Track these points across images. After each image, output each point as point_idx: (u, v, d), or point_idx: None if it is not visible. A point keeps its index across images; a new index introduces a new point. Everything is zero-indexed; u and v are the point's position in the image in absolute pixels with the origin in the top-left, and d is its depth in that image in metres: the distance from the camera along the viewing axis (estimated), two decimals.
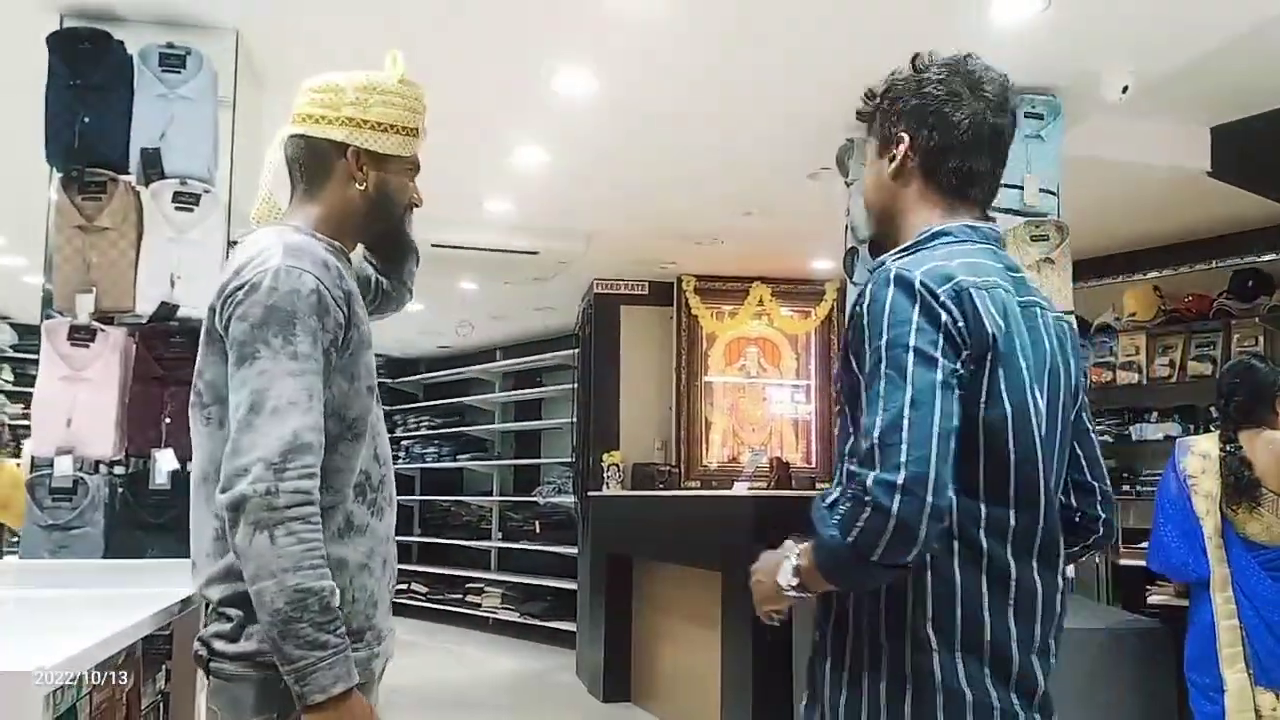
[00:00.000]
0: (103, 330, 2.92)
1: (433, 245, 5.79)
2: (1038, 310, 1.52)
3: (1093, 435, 1.62)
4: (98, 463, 2.95)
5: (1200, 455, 3.45)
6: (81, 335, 2.91)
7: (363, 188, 1.69)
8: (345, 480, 1.60)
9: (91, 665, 1.40)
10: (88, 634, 1.37)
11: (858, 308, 1.41)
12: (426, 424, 10.64)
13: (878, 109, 1.57)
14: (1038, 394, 1.43)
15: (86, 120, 3.03)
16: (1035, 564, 1.44)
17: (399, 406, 11.03)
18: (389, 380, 11.04)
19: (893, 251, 1.51)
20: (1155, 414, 5.79)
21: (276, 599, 1.41)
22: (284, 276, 1.53)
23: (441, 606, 9.69)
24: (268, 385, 1.49)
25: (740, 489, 5.72)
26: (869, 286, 1.40)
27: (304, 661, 1.41)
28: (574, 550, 7.92)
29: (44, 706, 1.33)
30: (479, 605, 9.23)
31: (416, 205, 1.78)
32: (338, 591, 1.47)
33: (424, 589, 10.04)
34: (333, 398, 1.58)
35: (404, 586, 10.40)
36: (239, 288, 1.54)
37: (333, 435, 1.56)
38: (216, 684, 1.51)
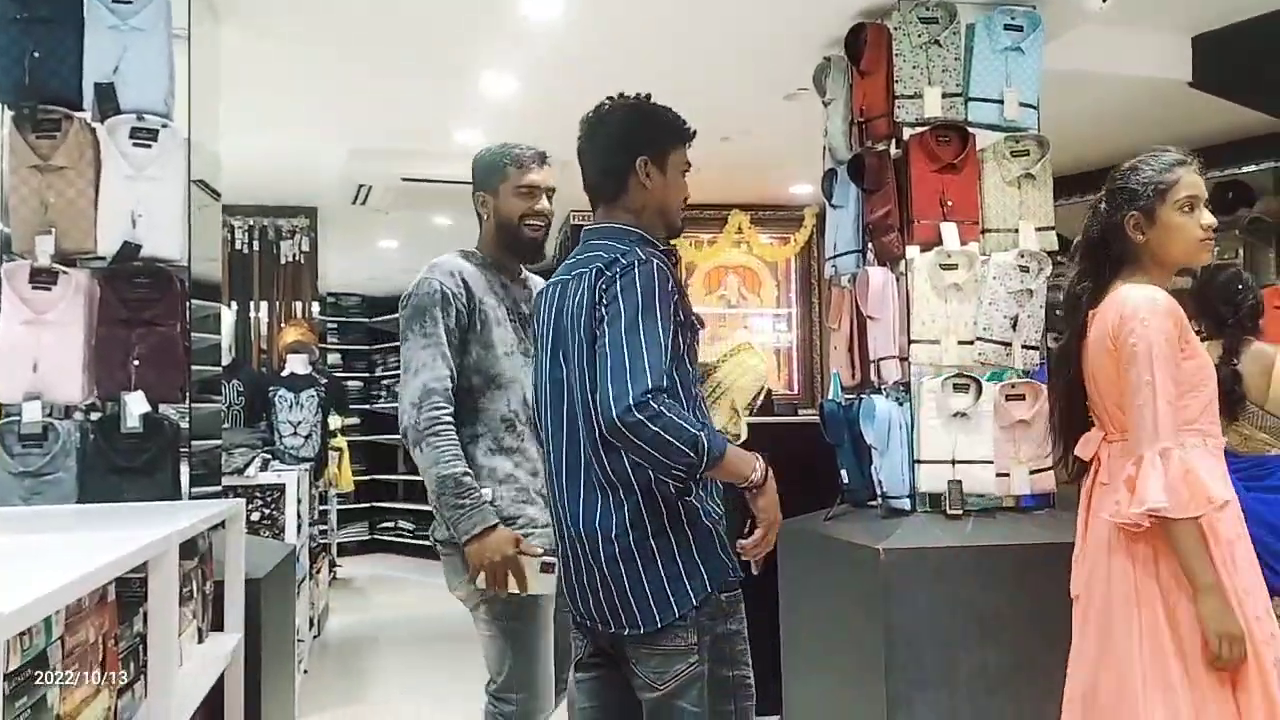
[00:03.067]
0: (65, 272, 2.84)
1: (403, 179, 5.70)
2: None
3: None
4: (68, 407, 2.90)
5: None
6: (43, 278, 2.83)
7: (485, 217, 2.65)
8: (492, 416, 2.45)
9: (58, 608, 1.37)
10: (55, 577, 1.34)
11: None
12: None
13: None
14: None
15: (36, 55, 2.91)
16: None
17: (378, 346, 10.97)
18: (367, 320, 10.96)
19: None
20: None
21: (430, 485, 2.36)
22: (420, 283, 2.50)
23: (429, 542, 9.72)
24: (411, 356, 2.42)
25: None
26: None
27: (453, 517, 2.32)
28: None
29: (8, 650, 1.30)
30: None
31: (530, 219, 2.60)
32: (469, 473, 2.34)
33: (411, 526, 10.09)
34: (474, 359, 2.44)
35: (390, 524, 10.45)
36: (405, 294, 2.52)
37: (479, 386, 2.45)
38: (442, 560, 2.51)
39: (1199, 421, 2.16)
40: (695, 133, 2.14)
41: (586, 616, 2.01)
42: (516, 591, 2.32)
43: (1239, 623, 2.00)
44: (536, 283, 2.64)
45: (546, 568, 2.29)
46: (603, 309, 1.90)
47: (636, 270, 1.89)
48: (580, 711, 2.13)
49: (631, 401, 1.78)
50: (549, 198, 2.59)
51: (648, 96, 2.12)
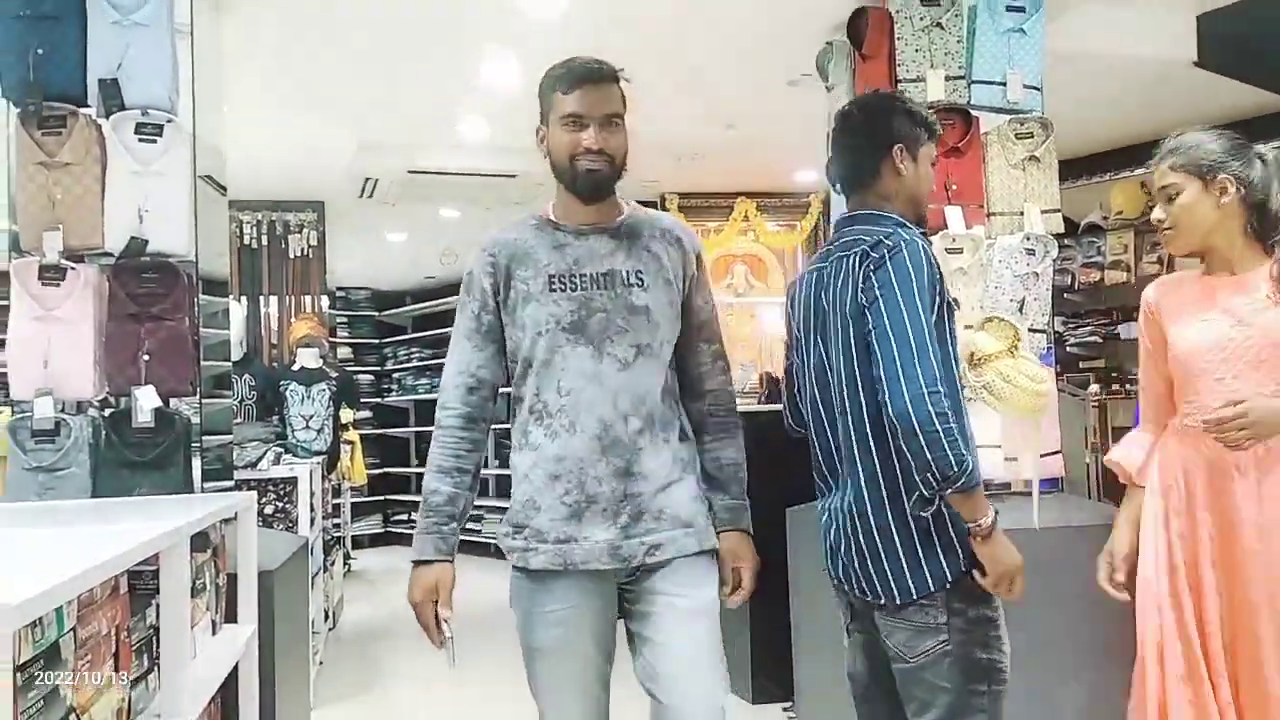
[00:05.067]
0: (73, 268, 2.86)
1: (409, 172, 5.70)
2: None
3: None
4: (79, 403, 2.92)
5: None
6: (52, 274, 2.85)
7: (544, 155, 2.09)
8: (524, 405, 2.06)
9: (67, 599, 1.38)
10: (65, 569, 1.35)
11: None
12: (417, 356, 10.62)
13: None
14: None
15: (40, 52, 2.92)
16: None
17: (389, 340, 11.00)
18: (376, 313, 10.99)
19: None
20: None
21: None
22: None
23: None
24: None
25: None
26: None
27: (415, 532, 2.03)
28: None
29: (18, 642, 1.32)
30: (479, 531, 9.30)
31: (581, 157, 2.00)
32: (441, 493, 2.02)
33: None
34: (512, 344, 2.07)
35: (403, 516, 10.49)
36: None
37: (518, 373, 2.07)
38: None
39: None
40: (941, 132, 2.25)
41: (845, 581, 2.11)
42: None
43: None
44: (643, 219, 2.12)
45: (446, 643, 1.98)
46: (874, 291, 1.94)
47: (905, 251, 1.94)
48: (850, 678, 2.23)
49: (924, 391, 1.83)
50: (605, 126, 2.00)
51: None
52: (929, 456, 1.83)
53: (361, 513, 10.04)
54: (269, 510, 4.98)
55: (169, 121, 2.97)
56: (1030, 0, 3.55)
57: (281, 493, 5.10)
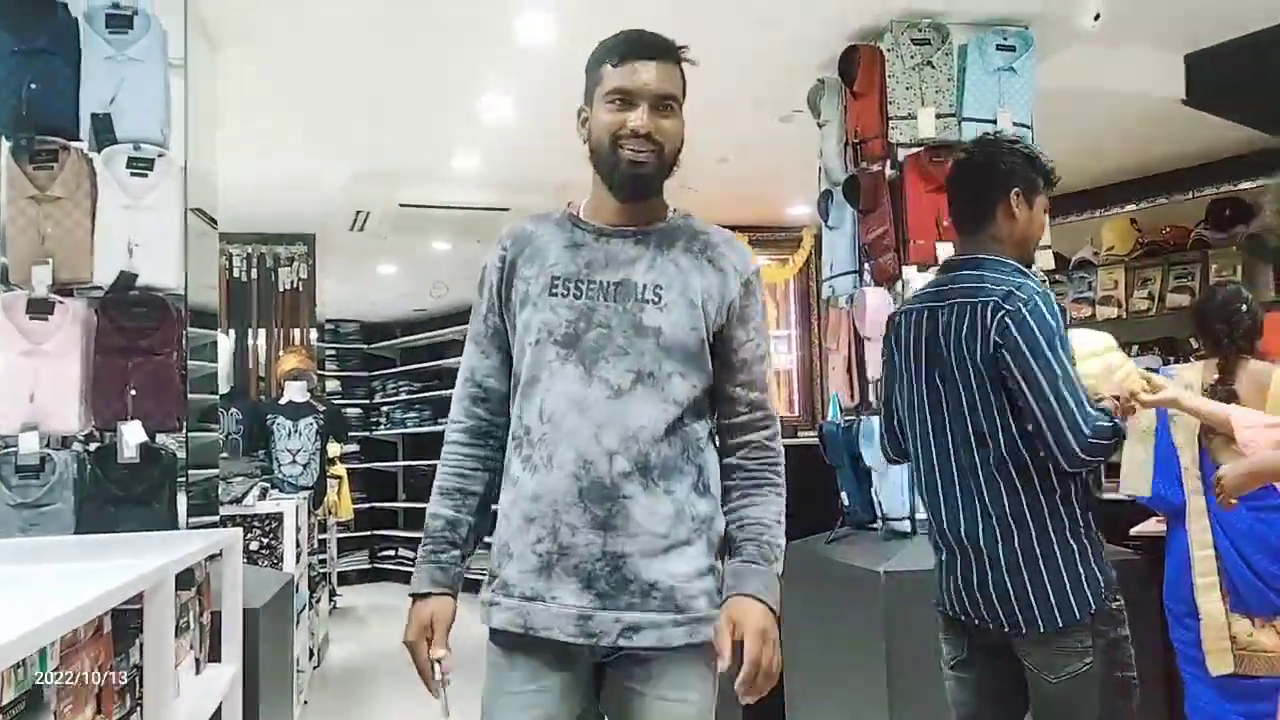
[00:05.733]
0: (61, 302, 2.84)
1: (401, 205, 5.70)
2: None
3: None
4: (65, 438, 2.89)
5: (1184, 385, 3.43)
6: (40, 308, 2.83)
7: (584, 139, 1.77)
8: (510, 430, 1.75)
9: (50, 640, 1.35)
10: (49, 609, 1.32)
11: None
12: (406, 389, 10.59)
13: None
14: None
15: (33, 86, 2.92)
16: None
17: (378, 372, 10.96)
18: (366, 346, 10.96)
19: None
20: (1135, 347, 5.78)
21: None
22: None
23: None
24: None
25: None
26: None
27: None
28: None
29: (1, 683, 1.29)
30: (468, 569, 9.22)
31: (626, 142, 1.69)
32: (441, 517, 1.78)
33: (411, 554, 10.01)
34: (516, 353, 1.75)
35: (390, 552, 10.40)
36: None
37: (515, 386, 1.75)
38: None
39: None
40: (1059, 180, 2.30)
41: (975, 616, 2.16)
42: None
43: None
44: (684, 227, 1.80)
45: (439, 690, 1.70)
46: (1018, 347, 2.05)
47: (1040, 305, 2.06)
48: (959, 706, 2.30)
49: (1088, 437, 2.01)
50: (657, 109, 1.69)
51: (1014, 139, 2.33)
52: (1105, 457, 2.10)
53: (348, 548, 9.95)
54: (254, 546, 4.93)
55: (160, 156, 2.96)
56: (1020, 39, 3.58)
57: (267, 528, 5.05)
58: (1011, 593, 2.10)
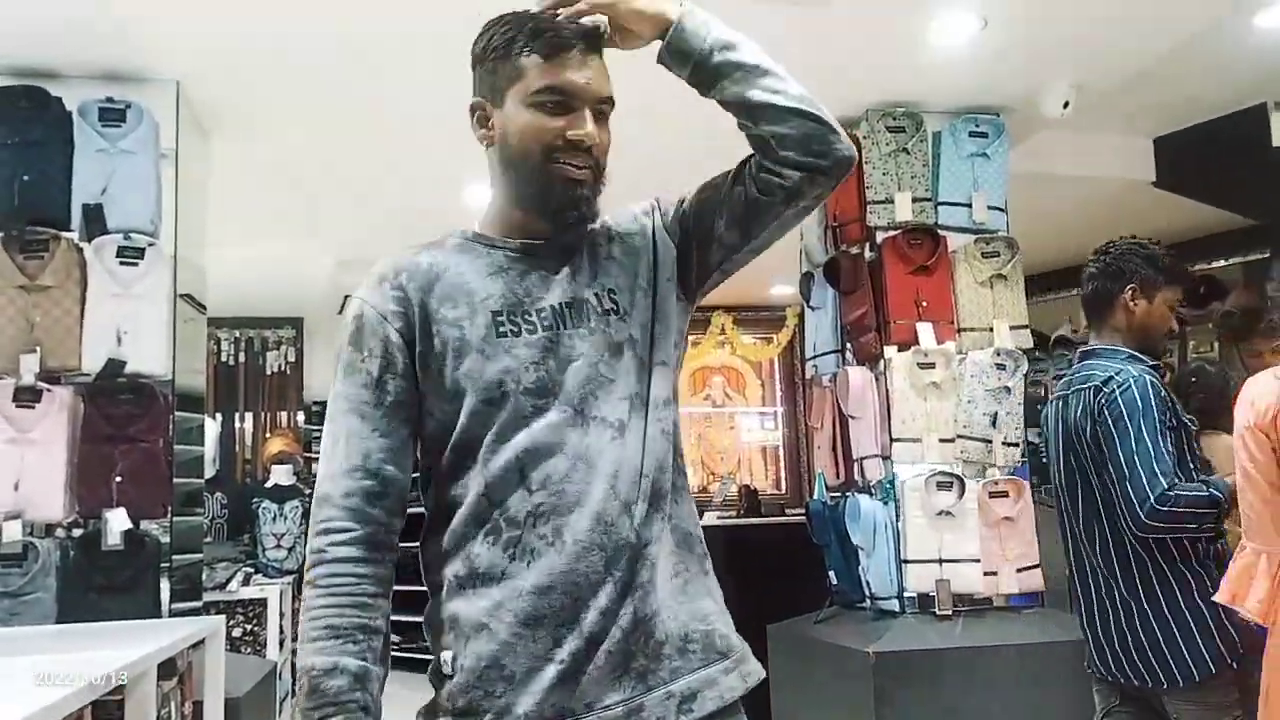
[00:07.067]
0: (48, 390, 2.86)
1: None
2: None
3: None
4: (48, 525, 2.88)
5: None
6: (27, 396, 2.85)
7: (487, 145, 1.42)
8: (459, 518, 1.32)
9: None
10: (26, 704, 1.32)
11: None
12: None
13: None
14: None
15: (26, 178, 2.98)
16: None
17: None
18: None
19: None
20: None
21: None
22: (345, 311, 1.41)
23: (422, 656, 9.53)
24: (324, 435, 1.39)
25: (710, 519, 5.69)
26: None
27: None
28: None
29: None
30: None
31: (564, 155, 1.34)
32: (345, 671, 1.24)
33: (397, 638, 9.89)
34: (438, 425, 1.33)
35: None
36: None
37: (448, 467, 1.33)
38: None
39: None
40: (1193, 279, 2.44)
41: (1120, 674, 2.31)
42: None
43: None
44: (626, 222, 1.47)
45: None
46: (1108, 425, 2.25)
47: (1133, 386, 2.24)
48: None
49: (1154, 503, 2.14)
50: (596, 116, 1.37)
51: (1156, 242, 2.49)
52: (1195, 525, 2.18)
53: None
54: (237, 633, 4.87)
55: (150, 245, 3.01)
56: (993, 127, 3.69)
57: (250, 614, 5.00)
58: (1147, 648, 2.24)
